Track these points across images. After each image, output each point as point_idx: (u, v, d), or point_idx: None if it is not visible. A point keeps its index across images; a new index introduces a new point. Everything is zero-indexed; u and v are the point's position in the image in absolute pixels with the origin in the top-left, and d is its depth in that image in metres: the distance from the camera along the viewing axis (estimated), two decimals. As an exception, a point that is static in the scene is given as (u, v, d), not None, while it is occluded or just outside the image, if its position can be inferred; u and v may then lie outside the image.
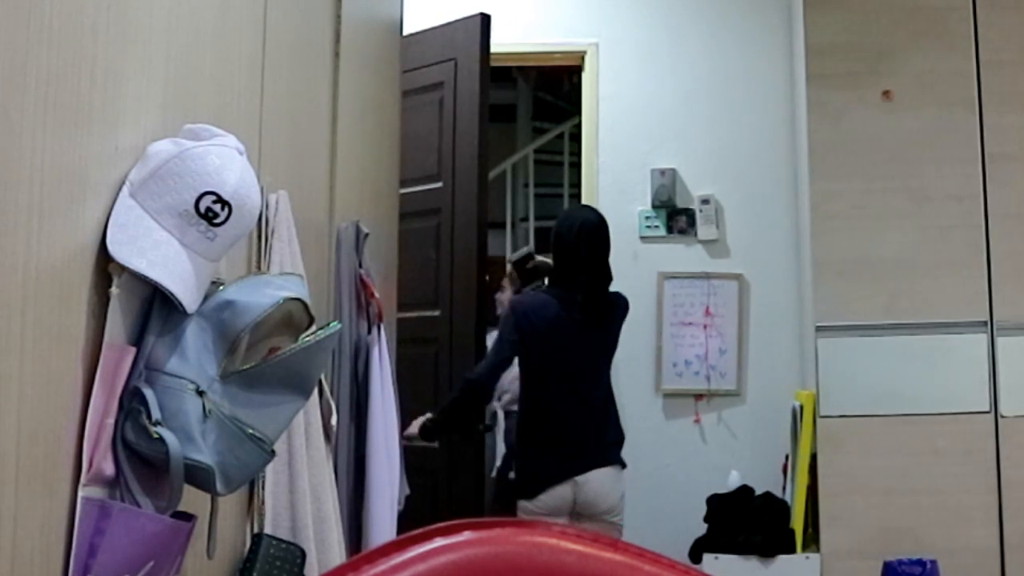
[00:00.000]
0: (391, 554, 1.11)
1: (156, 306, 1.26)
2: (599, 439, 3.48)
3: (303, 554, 1.76)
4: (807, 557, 3.76)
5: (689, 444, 4.43)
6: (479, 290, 4.00)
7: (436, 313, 4.05)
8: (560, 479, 3.38)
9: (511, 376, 4.90)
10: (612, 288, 3.66)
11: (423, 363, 3.92)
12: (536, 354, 3.48)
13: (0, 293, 0.99)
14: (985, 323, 3.78)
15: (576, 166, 5.24)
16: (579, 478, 3.39)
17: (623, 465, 3.53)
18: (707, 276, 4.48)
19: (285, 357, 1.35)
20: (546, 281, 4.11)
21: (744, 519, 3.89)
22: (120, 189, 1.23)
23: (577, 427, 3.45)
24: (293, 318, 1.40)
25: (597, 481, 3.41)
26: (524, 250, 4.89)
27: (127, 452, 1.21)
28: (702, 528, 4.01)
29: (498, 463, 4.60)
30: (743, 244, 4.51)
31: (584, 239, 3.54)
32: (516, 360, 3.64)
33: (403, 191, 3.53)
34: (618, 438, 3.57)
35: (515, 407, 4.87)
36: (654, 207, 4.53)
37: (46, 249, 1.07)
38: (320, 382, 1.95)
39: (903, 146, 3.88)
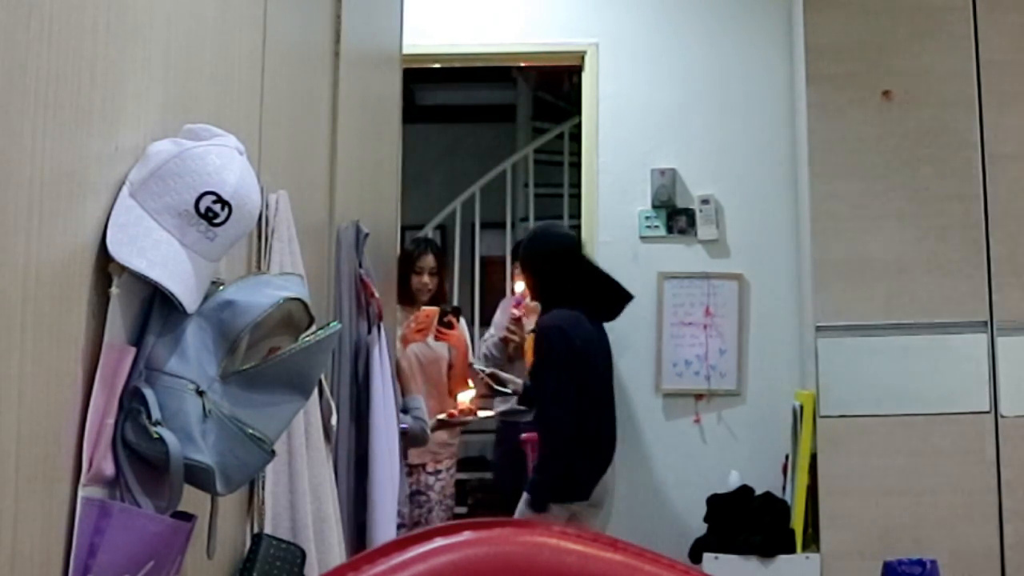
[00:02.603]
0: (391, 554, 1.10)
1: (156, 306, 1.26)
2: (614, 436, 3.81)
3: (303, 554, 1.76)
4: (807, 557, 3.76)
5: (689, 444, 4.43)
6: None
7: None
8: (600, 475, 3.69)
9: None
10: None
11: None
12: (583, 370, 3.64)
13: (0, 293, 0.99)
14: (985, 323, 3.78)
15: (576, 166, 5.24)
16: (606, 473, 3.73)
17: None
18: (707, 276, 4.48)
19: (285, 357, 1.35)
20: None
21: (744, 519, 3.89)
22: (120, 189, 1.23)
23: (608, 430, 3.75)
24: (293, 318, 1.40)
25: (610, 473, 3.75)
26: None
27: (127, 452, 1.21)
28: (702, 528, 4.01)
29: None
30: (743, 244, 4.51)
31: (580, 254, 3.88)
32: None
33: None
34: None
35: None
36: (654, 207, 4.53)
37: (46, 249, 1.07)
38: (320, 382, 1.95)
39: (903, 146, 3.88)
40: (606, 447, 3.73)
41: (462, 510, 4.92)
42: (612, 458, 3.75)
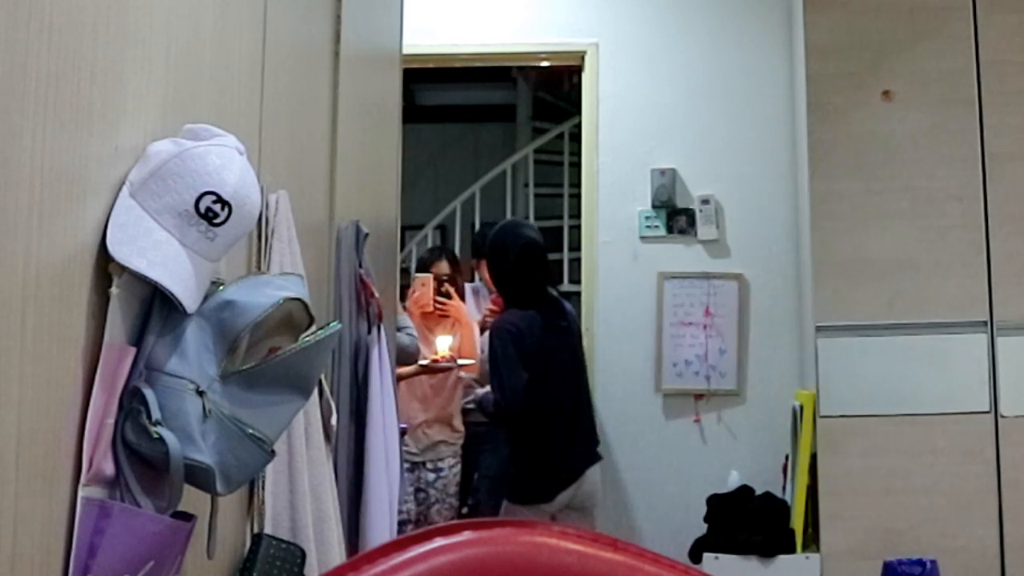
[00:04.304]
0: (391, 554, 1.11)
1: (156, 306, 1.26)
2: (589, 440, 3.82)
3: (303, 554, 1.76)
4: (807, 557, 3.76)
5: (689, 444, 4.44)
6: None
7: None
8: (572, 479, 3.65)
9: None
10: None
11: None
12: (531, 369, 3.65)
13: (0, 293, 0.99)
14: (985, 323, 3.78)
15: (576, 166, 5.24)
16: (584, 475, 3.68)
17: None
18: (707, 276, 4.48)
19: (285, 357, 1.35)
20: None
21: (744, 519, 3.89)
22: (120, 189, 1.23)
23: (573, 432, 3.72)
24: (293, 318, 1.40)
25: (593, 476, 3.73)
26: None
27: (127, 452, 1.21)
28: (702, 528, 4.01)
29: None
30: (743, 244, 4.51)
31: (527, 259, 3.79)
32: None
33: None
34: (597, 438, 3.94)
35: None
36: (654, 207, 4.53)
37: (46, 249, 1.07)
38: (320, 382, 1.95)
39: (903, 146, 3.88)
40: (572, 450, 3.69)
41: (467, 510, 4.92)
42: (589, 462, 3.72)
